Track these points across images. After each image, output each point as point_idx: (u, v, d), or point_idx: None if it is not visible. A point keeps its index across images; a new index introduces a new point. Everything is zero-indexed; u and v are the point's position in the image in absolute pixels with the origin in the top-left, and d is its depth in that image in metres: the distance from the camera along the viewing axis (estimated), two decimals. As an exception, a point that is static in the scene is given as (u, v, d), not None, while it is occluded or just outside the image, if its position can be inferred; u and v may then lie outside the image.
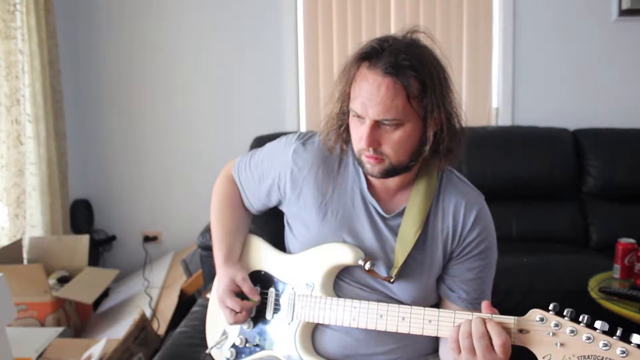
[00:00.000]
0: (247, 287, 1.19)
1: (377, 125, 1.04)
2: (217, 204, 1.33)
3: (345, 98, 1.10)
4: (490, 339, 0.92)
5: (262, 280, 1.24)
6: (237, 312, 1.18)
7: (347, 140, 1.15)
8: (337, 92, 1.12)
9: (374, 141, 1.04)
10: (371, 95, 1.02)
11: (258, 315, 1.22)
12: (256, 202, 1.31)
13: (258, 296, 1.20)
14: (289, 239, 1.26)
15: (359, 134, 1.06)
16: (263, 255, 1.27)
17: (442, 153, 1.09)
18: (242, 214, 1.33)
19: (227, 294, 1.19)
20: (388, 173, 1.09)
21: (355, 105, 1.05)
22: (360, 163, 1.11)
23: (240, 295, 1.20)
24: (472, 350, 0.93)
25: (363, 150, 1.07)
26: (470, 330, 0.94)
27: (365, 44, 1.07)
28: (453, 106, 1.09)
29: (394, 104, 1.01)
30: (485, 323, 0.93)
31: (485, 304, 0.96)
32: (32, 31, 2.59)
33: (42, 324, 2.27)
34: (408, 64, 1.00)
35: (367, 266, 1.11)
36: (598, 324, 0.86)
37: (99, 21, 3.06)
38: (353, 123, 1.09)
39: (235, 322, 1.20)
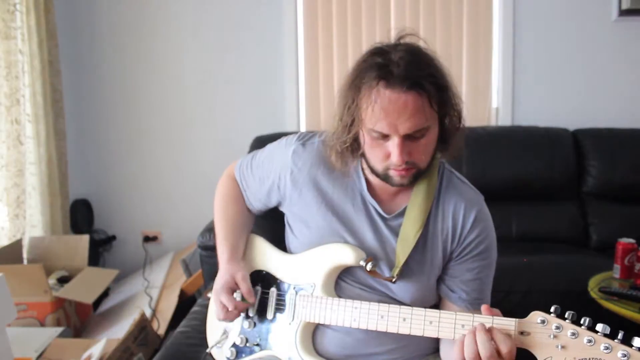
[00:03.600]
0: (245, 287, 1.19)
1: (406, 138, 1.03)
2: (221, 202, 1.34)
3: (358, 122, 1.05)
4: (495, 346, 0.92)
5: (264, 280, 1.24)
6: (228, 310, 1.18)
7: (355, 158, 1.13)
8: (344, 117, 1.07)
9: (407, 154, 1.04)
10: (399, 113, 0.99)
11: (259, 315, 1.22)
12: (257, 203, 1.32)
13: (254, 298, 1.20)
14: (290, 239, 1.26)
15: (384, 151, 1.05)
16: (265, 255, 1.28)
17: (449, 147, 1.11)
18: (246, 213, 1.34)
19: (224, 289, 1.18)
20: (415, 178, 1.10)
21: (380, 127, 1.02)
22: (387, 178, 1.09)
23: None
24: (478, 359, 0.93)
25: (393, 165, 1.06)
26: (474, 341, 0.93)
27: (364, 63, 1.04)
28: (458, 100, 1.10)
29: (424, 115, 1.01)
30: (490, 332, 0.93)
31: (484, 307, 0.96)
32: (32, 31, 2.59)
33: (42, 324, 2.27)
34: (422, 74, 1.00)
35: (369, 267, 1.11)
36: (599, 326, 0.86)
37: (98, 21, 3.06)
38: (373, 142, 1.06)
39: (225, 319, 1.20)
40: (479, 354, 0.92)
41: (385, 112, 1.00)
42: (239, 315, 1.21)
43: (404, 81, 0.99)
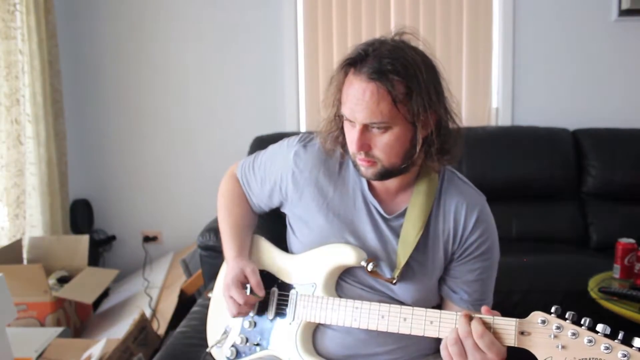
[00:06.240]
0: (254, 280, 1.18)
1: (366, 129, 1.05)
2: (226, 202, 1.34)
3: (337, 103, 1.11)
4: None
5: (265, 280, 1.23)
6: (240, 304, 1.17)
7: (344, 143, 1.16)
8: (329, 97, 1.13)
9: (364, 145, 1.06)
10: (357, 100, 1.03)
11: (259, 315, 1.22)
12: (260, 203, 1.32)
13: (263, 291, 1.19)
14: (291, 239, 1.27)
15: (350, 137, 1.08)
16: (266, 255, 1.28)
17: (434, 154, 1.10)
18: (251, 214, 1.34)
19: (234, 283, 1.18)
20: (382, 175, 1.10)
21: (345, 110, 1.07)
22: (356, 166, 1.12)
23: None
24: (462, 354, 0.93)
25: (355, 153, 1.08)
26: (456, 337, 0.94)
27: (352, 49, 1.08)
28: (445, 107, 1.09)
29: (379, 108, 1.02)
30: (469, 322, 0.94)
31: (484, 309, 0.97)
32: (32, 31, 2.59)
33: (42, 324, 2.27)
34: (391, 68, 1.01)
35: (370, 267, 1.11)
36: (600, 327, 0.86)
37: (98, 21, 3.06)
38: (346, 127, 1.11)
39: (238, 315, 1.19)
40: (458, 341, 0.94)
41: (349, 97, 1.05)
42: (250, 310, 1.20)
43: (368, 70, 1.02)
